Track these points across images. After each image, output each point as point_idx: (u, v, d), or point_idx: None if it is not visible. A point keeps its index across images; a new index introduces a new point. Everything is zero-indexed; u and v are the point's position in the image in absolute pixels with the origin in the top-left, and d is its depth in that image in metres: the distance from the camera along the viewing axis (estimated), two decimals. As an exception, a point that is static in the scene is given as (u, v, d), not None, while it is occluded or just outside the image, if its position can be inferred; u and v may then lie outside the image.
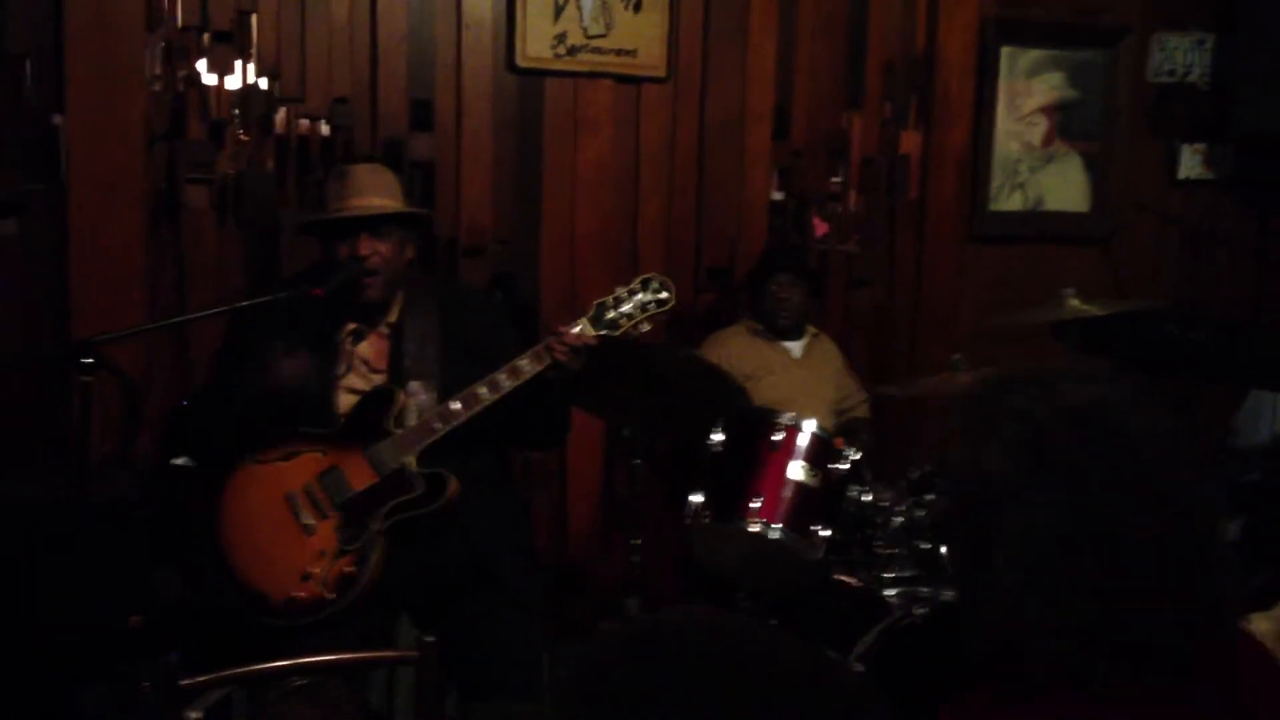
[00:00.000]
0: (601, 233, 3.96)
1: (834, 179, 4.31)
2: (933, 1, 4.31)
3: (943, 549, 2.84)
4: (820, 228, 4.31)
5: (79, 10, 3.30)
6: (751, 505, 2.92)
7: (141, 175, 3.42)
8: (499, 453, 2.98)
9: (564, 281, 3.89)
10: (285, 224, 3.53)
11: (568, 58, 3.83)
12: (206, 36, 3.47)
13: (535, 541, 3.20)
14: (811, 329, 3.96)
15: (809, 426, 3.01)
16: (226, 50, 3.49)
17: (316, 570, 2.62)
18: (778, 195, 4.24)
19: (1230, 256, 4.81)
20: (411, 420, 2.72)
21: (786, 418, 3.02)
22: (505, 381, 2.69)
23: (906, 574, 2.94)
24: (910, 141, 4.38)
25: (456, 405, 2.69)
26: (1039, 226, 4.61)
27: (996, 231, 4.55)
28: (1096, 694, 1.20)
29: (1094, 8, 4.57)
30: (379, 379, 2.80)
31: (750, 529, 2.92)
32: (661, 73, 3.96)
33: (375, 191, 2.80)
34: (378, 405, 2.73)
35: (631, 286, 2.80)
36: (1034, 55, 4.50)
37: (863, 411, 3.96)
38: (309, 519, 2.66)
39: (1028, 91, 4.51)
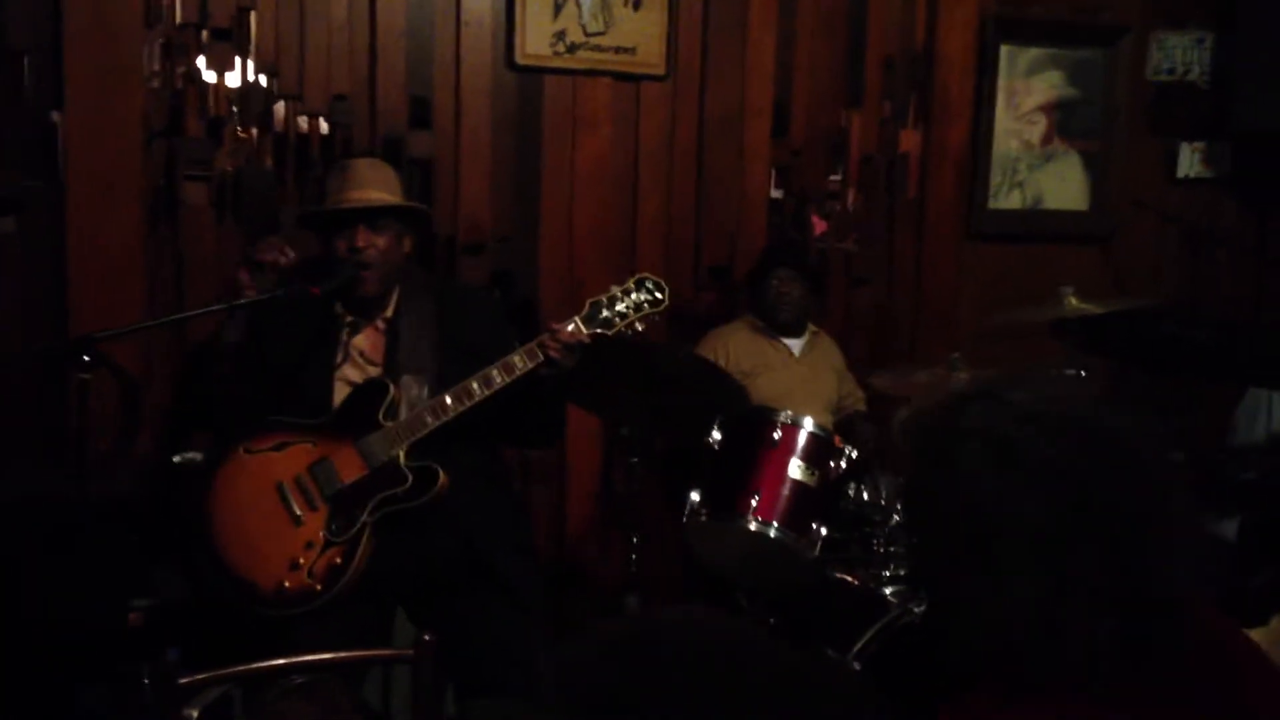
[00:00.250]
0: (600, 230, 3.96)
1: (833, 177, 4.32)
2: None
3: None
4: (819, 226, 4.31)
5: (78, 7, 3.30)
6: (750, 503, 2.93)
7: (140, 172, 3.42)
8: (493, 449, 2.99)
9: (563, 279, 3.89)
10: (284, 221, 3.53)
11: (567, 55, 3.83)
12: (205, 33, 3.47)
13: (534, 539, 3.20)
14: (812, 327, 3.96)
15: (807, 425, 3.01)
16: (225, 47, 3.48)
17: (305, 560, 2.63)
18: (777, 193, 4.24)
19: (1229, 255, 4.82)
20: (404, 414, 2.73)
21: (785, 416, 3.02)
22: (498, 377, 2.69)
23: (904, 572, 2.94)
24: (909, 140, 4.38)
25: (448, 400, 2.69)
26: (1038, 225, 4.61)
27: (995, 230, 4.55)
28: (1096, 694, 1.20)
29: (1093, 6, 4.57)
30: (375, 371, 2.81)
31: (748, 527, 2.92)
32: (661, 70, 3.96)
33: (373, 185, 2.81)
34: (370, 398, 2.73)
35: (626, 286, 2.80)
36: (1033, 54, 4.50)
37: (862, 406, 3.96)
38: (299, 509, 2.67)
39: (1027, 90, 4.51)
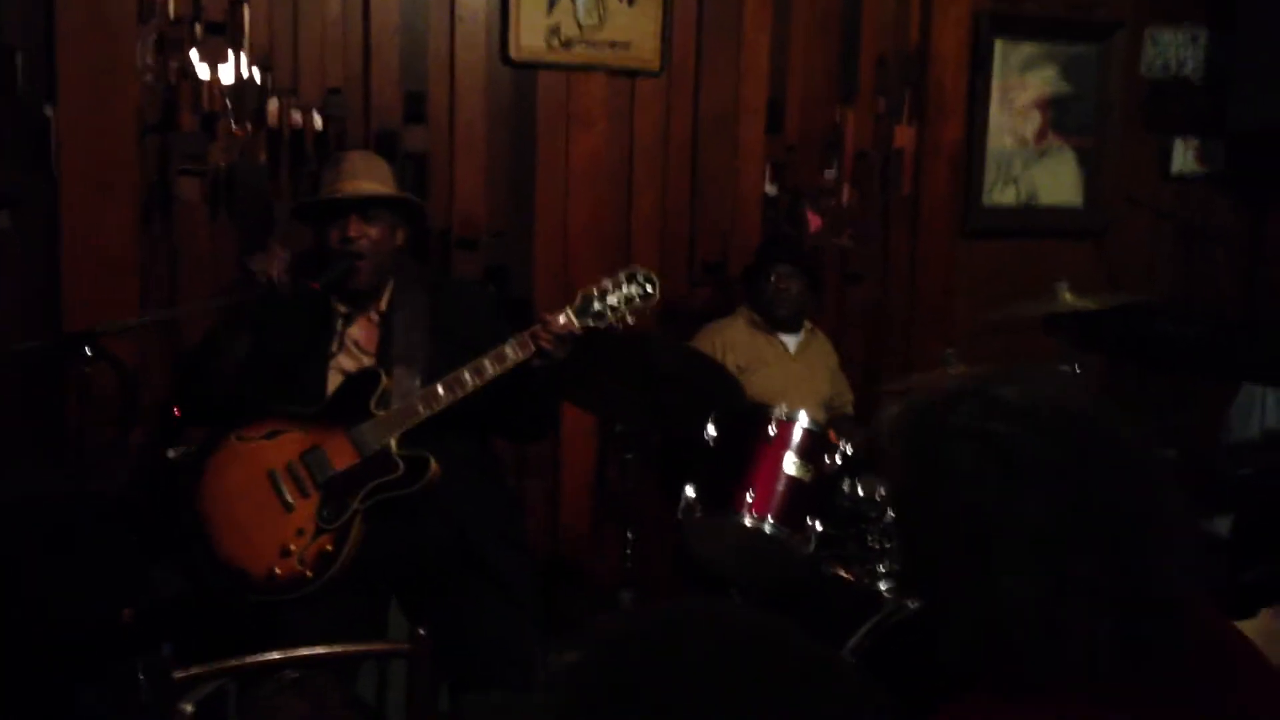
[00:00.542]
0: (595, 226, 3.96)
1: (827, 173, 4.31)
2: (926, -4, 4.31)
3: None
4: (814, 222, 4.31)
5: (71, 2, 3.29)
6: (745, 499, 2.93)
7: (134, 168, 3.41)
8: (485, 441, 3.00)
9: (557, 274, 3.89)
10: (278, 216, 3.53)
11: (561, 50, 3.82)
12: (199, 27, 3.45)
13: (527, 534, 3.20)
14: (808, 324, 3.96)
15: (802, 420, 3.01)
16: (219, 41, 3.47)
17: (296, 547, 2.64)
18: (771, 189, 4.24)
19: (1223, 252, 4.83)
20: (395, 404, 2.74)
21: (780, 411, 3.02)
22: (490, 367, 2.70)
23: (899, 568, 2.94)
24: (904, 136, 4.38)
25: (440, 389, 2.71)
26: (1032, 221, 4.62)
27: (990, 226, 4.55)
28: (1096, 694, 1.20)
29: (1088, 2, 4.58)
30: (369, 362, 2.82)
31: (743, 523, 2.93)
32: (655, 66, 3.95)
33: (367, 176, 2.83)
34: (362, 387, 2.75)
35: (617, 279, 2.81)
36: (1027, 50, 4.50)
37: (850, 409, 3.97)
38: (290, 496, 2.68)
39: (1021, 86, 4.52)
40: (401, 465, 2.69)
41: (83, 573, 2.89)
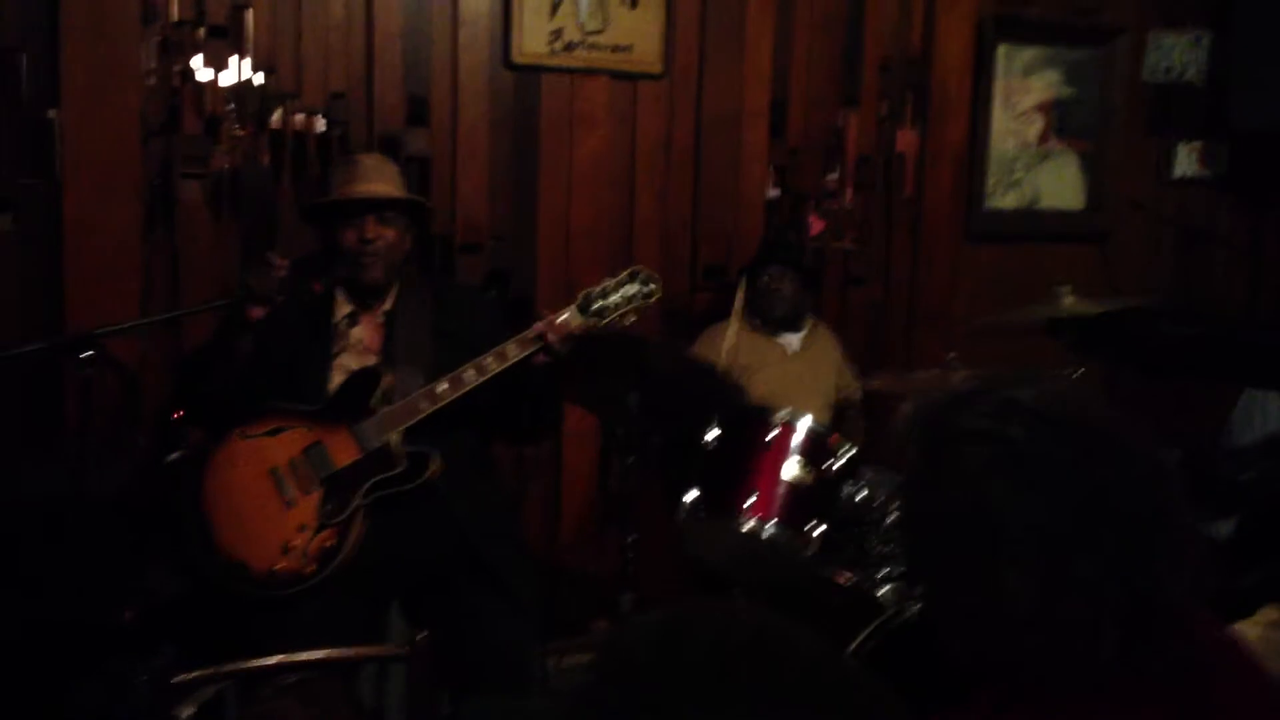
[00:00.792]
0: (597, 229, 3.96)
1: (830, 176, 4.31)
2: (929, 0, 4.31)
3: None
4: (816, 225, 4.31)
5: (74, 5, 3.30)
6: (745, 502, 2.93)
7: (136, 170, 3.41)
8: (485, 443, 3.01)
9: (559, 278, 3.89)
10: (281, 219, 3.54)
11: (564, 54, 3.83)
12: (202, 31, 3.46)
13: (528, 536, 3.21)
14: (810, 320, 3.96)
15: (804, 423, 3.01)
16: (222, 45, 3.48)
17: (298, 542, 2.65)
18: (774, 193, 4.24)
19: (1225, 255, 4.82)
20: (398, 401, 2.75)
21: (781, 414, 3.02)
22: (492, 365, 2.73)
23: (900, 571, 2.94)
24: (906, 139, 4.38)
25: (443, 386, 2.72)
26: (1034, 224, 4.62)
27: (992, 229, 4.55)
28: (1097, 698, 1.20)
29: (1090, 6, 4.58)
30: (372, 361, 2.84)
31: (744, 526, 2.92)
32: (658, 69, 3.95)
33: (381, 179, 2.87)
34: (364, 384, 2.77)
35: (619, 278, 2.84)
36: (1030, 53, 4.50)
37: (858, 396, 3.96)
38: (292, 492, 2.70)
39: (1024, 89, 4.52)
40: (403, 461, 2.70)
41: (81, 574, 2.89)
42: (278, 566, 2.64)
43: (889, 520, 3.00)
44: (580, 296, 2.80)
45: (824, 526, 2.94)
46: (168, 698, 1.90)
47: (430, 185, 3.72)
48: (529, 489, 3.93)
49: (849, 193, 4.33)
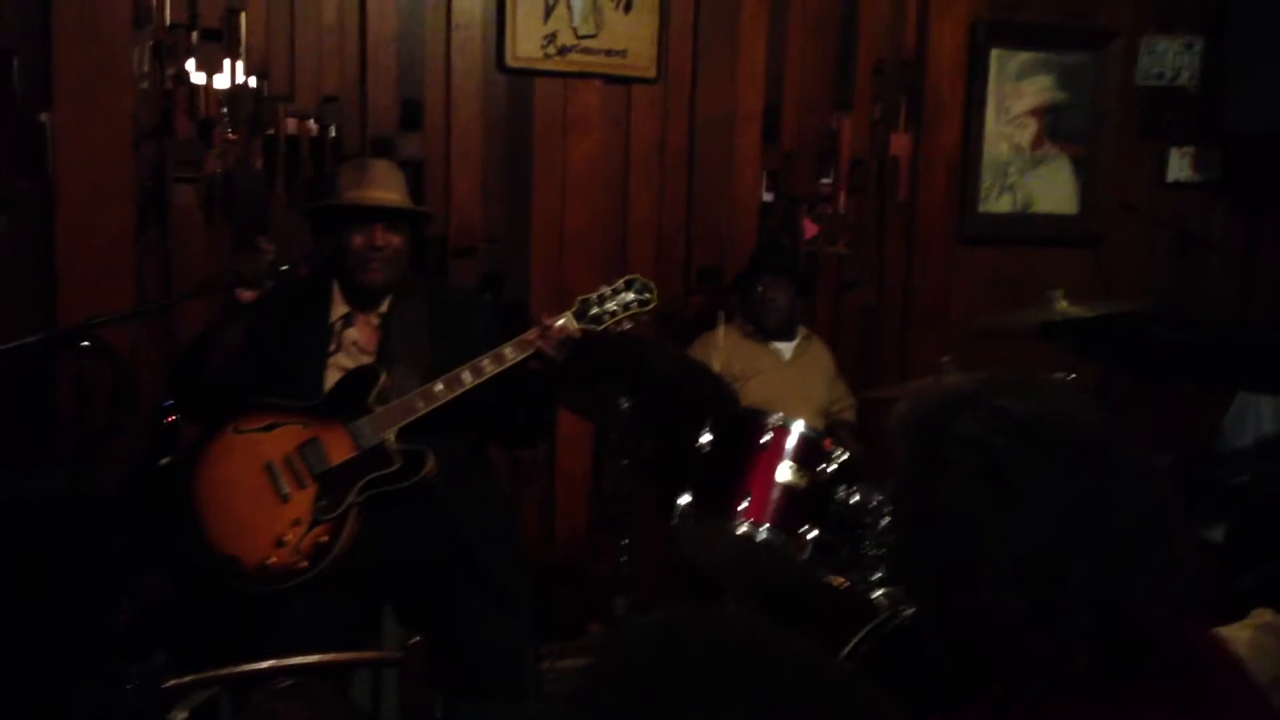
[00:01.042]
0: (591, 233, 3.96)
1: (823, 180, 4.32)
2: (922, 3, 4.32)
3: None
4: (810, 229, 4.31)
5: (67, 8, 3.29)
6: (739, 506, 2.93)
7: (129, 173, 3.41)
8: (481, 446, 3.01)
9: (553, 282, 3.89)
10: (274, 222, 3.53)
11: (558, 58, 3.83)
12: (195, 34, 3.45)
13: (523, 539, 3.21)
14: (804, 331, 3.96)
15: (797, 428, 3.01)
16: (215, 48, 3.48)
17: (291, 537, 2.66)
18: (767, 196, 4.25)
19: (1218, 259, 4.83)
20: (394, 400, 2.76)
21: (774, 419, 3.02)
22: (488, 367, 2.75)
23: (891, 563, 2.94)
24: (900, 143, 4.39)
25: (439, 386, 2.74)
26: (1028, 228, 4.62)
27: (986, 233, 4.56)
28: (1095, 698, 1.19)
29: (1083, 10, 4.58)
30: (368, 361, 2.85)
31: (738, 530, 2.92)
32: (651, 73, 3.96)
33: (391, 187, 2.90)
34: (361, 383, 2.78)
35: (615, 286, 2.87)
36: (1023, 58, 4.51)
37: (849, 415, 3.97)
38: (287, 488, 2.70)
39: (1017, 94, 4.52)
40: (398, 459, 2.71)
41: (76, 576, 2.89)
42: (270, 561, 2.64)
43: (883, 524, 2.99)
44: (577, 303, 2.83)
45: (817, 530, 2.94)
46: (161, 702, 1.89)
47: (424, 189, 3.72)
48: (524, 492, 3.93)
49: (842, 196, 4.34)
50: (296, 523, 2.67)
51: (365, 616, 2.82)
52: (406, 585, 2.83)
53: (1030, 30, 4.49)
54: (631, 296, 2.84)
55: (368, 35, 3.63)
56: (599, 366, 3.02)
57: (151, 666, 2.81)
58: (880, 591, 2.88)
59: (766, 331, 3.86)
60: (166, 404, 3.37)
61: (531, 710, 2.77)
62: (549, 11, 3.80)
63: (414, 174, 3.71)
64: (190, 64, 3.46)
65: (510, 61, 3.78)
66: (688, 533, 3.05)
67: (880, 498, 3.03)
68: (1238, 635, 1.97)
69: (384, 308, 2.92)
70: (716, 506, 2.98)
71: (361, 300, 2.90)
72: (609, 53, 3.89)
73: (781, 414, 3.05)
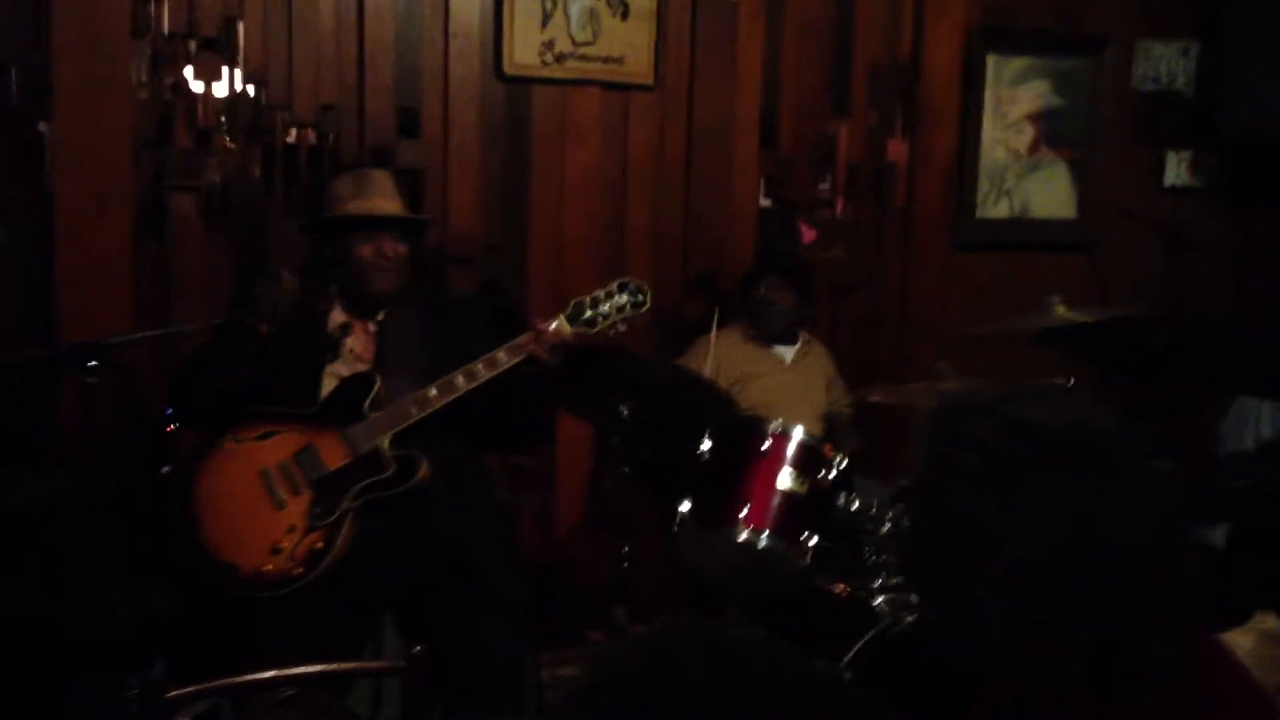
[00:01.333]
0: (589, 239, 3.96)
1: (821, 186, 4.32)
2: (918, 10, 4.32)
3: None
4: (807, 235, 4.32)
5: (65, 18, 3.29)
6: (740, 513, 2.93)
7: (128, 183, 3.41)
8: (478, 450, 3.02)
9: (552, 288, 3.89)
10: (272, 231, 3.53)
11: (555, 65, 3.83)
12: (193, 44, 3.46)
13: (522, 546, 3.21)
14: (805, 335, 3.96)
15: (797, 434, 3.01)
16: (213, 57, 3.48)
17: (286, 544, 2.66)
18: (765, 203, 4.25)
19: (1214, 263, 4.84)
20: (388, 407, 2.77)
21: (774, 425, 3.02)
22: (482, 371, 2.75)
23: (895, 582, 2.94)
24: (897, 149, 4.39)
25: (433, 392, 2.75)
26: (1025, 234, 4.63)
27: (983, 238, 4.56)
28: (1086, 712, 1.19)
29: (1079, 16, 4.59)
30: (364, 369, 2.86)
31: (739, 537, 2.92)
32: (649, 81, 3.96)
33: (393, 196, 2.92)
34: (356, 390, 2.79)
35: (609, 289, 2.87)
36: (1019, 63, 4.52)
37: (848, 410, 3.97)
38: (282, 494, 2.71)
39: (1013, 99, 4.53)
40: (393, 465, 2.72)
41: (75, 584, 2.88)
42: (266, 567, 2.65)
43: (884, 530, 2.99)
44: (570, 306, 2.83)
45: (818, 537, 2.94)
46: (162, 712, 1.89)
47: (422, 197, 3.72)
48: (523, 499, 3.93)
49: (840, 202, 4.34)
50: (291, 529, 2.68)
51: (364, 624, 2.82)
52: (404, 593, 2.82)
53: (1026, 36, 4.50)
54: (625, 299, 2.84)
55: (365, 43, 3.63)
56: (597, 372, 3.03)
57: (152, 675, 2.80)
58: (881, 598, 2.87)
59: (767, 335, 3.86)
60: (166, 412, 3.38)
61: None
62: (546, 19, 3.80)
63: (412, 182, 3.71)
64: (188, 73, 3.46)
65: (508, 69, 3.78)
66: (688, 540, 3.05)
67: (880, 503, 3.03)
68: (1239, 641, 1.98)
69: (381, 316, 2.92)
70: (717, 513, 2.98)
71: (360, 309, 2.90)
72: (606, 60, 3.89)
73: (781, 420, 3.05)
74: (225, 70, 3.49)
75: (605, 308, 2.83)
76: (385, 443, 2.73)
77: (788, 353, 3.90)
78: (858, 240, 4.38)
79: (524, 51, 3.79)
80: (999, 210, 4.58)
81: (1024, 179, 4.59)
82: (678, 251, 4.11)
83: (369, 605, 2.80)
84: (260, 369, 2.77)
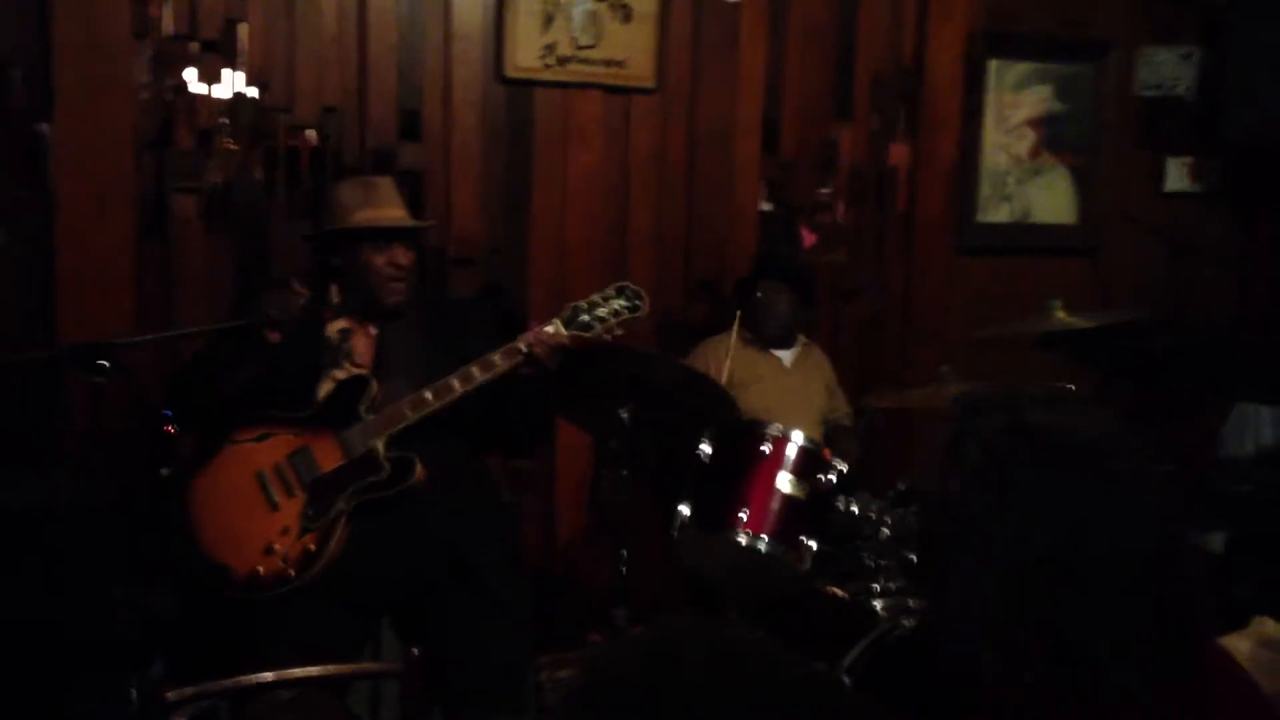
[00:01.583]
0: (591, 242, 3.96)
1: (822, 190, 4.32)
2: (921, 14, 4.33)
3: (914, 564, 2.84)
4: (809, 239, 4.32)
5: (67, 19, 3.30)
6: (739, 517, 2.93)
7: (130, 184, 3.41)
8: (476, 452, 3.02)
9: (553, 291, 3.89)
10: (274, 233, 3.54)
11: (557, 68, 3.83)
12: (195, 45, 3.46)
13: (523, 548, 3.21)
14: (803, 339, 3.96)
15: (797, 438, 3.01)
16: (215, 59, 3.48)
17: (280, 546, 2.68)
18: (767, 206, 4.25)
19: (1216, 269, 4.84)
20: (384, 409, 2.78)
21: (774, 429, 3.02)
22: (477, 375, 2.75)
23: (894, 585, 2.94)
24: (898, 153, 4.39)
25: (429, 394, 2.75)
26: (1026, 238, 4.63)
27: (984, 243, 4.56)
28: (1100, 709, 1.19)
29: (1081, 21, 4.59)
30: (363, 372, 2.85)
31: (738, 541, 2.92)
32: (651, 83, 3.96)
33: (399, 204, 2.93)
34: (352, 393, 2.79)
35: (606, 293, 2.86)
36: (1021, 68, 4.52)
37: (847, 421, 3.97)
38: (277, 496, 2.72)
39: (1015, 104, 4.53)
40: (387, 467, 2.72)
41: (75, 584, 2.89)
42: (260, 568, 2.66)
43: (883, 534, 2.99)
44: (567, 310, 2.83)
45: (817, 541, 2.94)
46: (161, 712, 1.89)
47: (424, 199, 3.72)
48: (523, 502, 3.93)
49: (841, 206, 4.34)
50: (285, 531, 2.69)
51: (362, 626, 2.82)
52: (402, 594, 2.83)
53: (1028, 41, 4.51)
54: (622, 303, 2.83)
55: (367, 46, 3.63)
56: (596, 376, 3.03)
57: (151, 676, 2.80)
58: (881, 602, 2.87)
59: (766, 339, 3.86)
60: (165, 414, 3.38)
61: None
62: (548, 22, 3.80)
63: (414, 184, 3.71)
64: (190, 74, 3.46)
65: (510, 72, 3.79)
66: (688, 543, 3.05)
67: (880, 507, 3.03)
68: (1237, 646, 1.97)
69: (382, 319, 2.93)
70: (716, 517, 2.98)
71: (367, 316, 2.90)
72: (608, 63, 3.89)
73: (781, 424, 3.05)
74: (227, 72, 3.50)
75: (601, 312, 2.82)
76: (380, 445, 2.74)
77: (786, 356, 3.90)
78: (859, 244, 4.38)
79: (526, 54, 3.79)
80: (1000, 215, 4.58)
81: (1025, 184, 4.59)
82: (679, 254, 4.11)
83: (367, 607, 2.81)
84: (263, 375, 2.78)
